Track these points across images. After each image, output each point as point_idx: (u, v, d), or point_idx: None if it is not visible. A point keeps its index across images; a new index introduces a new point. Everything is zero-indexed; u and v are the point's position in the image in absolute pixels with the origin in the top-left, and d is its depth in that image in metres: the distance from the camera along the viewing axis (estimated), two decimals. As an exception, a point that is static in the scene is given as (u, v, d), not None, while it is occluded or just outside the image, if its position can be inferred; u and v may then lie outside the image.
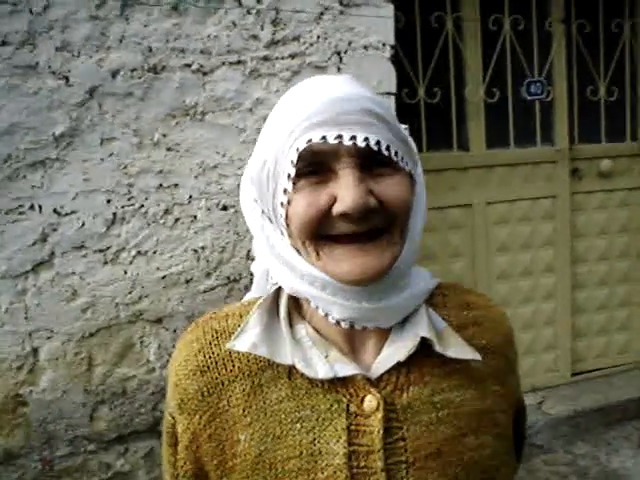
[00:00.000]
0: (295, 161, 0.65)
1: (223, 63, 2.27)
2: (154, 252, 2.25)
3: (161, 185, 2.23)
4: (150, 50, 2.18)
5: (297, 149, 0.65)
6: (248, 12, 2.28)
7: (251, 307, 0.76)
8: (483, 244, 3.08)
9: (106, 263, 2.21)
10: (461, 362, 0.74)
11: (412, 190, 0.71)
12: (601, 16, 3.26)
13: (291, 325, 0.73)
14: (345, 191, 0.63)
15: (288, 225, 0.69)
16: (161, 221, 2.25)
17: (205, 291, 2.32)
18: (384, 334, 0.73)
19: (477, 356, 0.73)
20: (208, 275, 2.32)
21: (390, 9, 2.45)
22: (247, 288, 2.38)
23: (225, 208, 2.31)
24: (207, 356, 0.74)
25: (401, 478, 0.68)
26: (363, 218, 0.65)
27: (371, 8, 2.42)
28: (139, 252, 2.23)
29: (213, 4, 2.23)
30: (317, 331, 0.73)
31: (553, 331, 3.26)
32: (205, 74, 2.25)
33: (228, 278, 2.34)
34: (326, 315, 0.72)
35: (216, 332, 0.76)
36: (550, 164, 3.19)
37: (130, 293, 2.24)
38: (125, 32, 2.15)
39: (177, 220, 2.26)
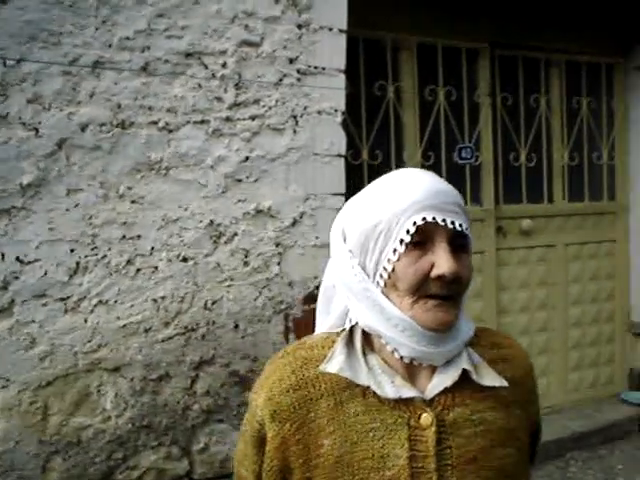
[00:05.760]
0: (411, 231, 0.87)
1: (188, 122, 2.39)
2: (115, 301, 2.29)
3: (124, 236, 2.30)
4: (119, 106, 2.28)
5: (414, 222, 0.87)
6: (213, 76, 2.42)
7: (329, 340, 0.97)
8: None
9: (66, 312, 2.23)
10: (493, 389, 0.94)
11: None
12: (521, 91, 3.64)
13: (364, 354, 0.94)
14: (442, 260, 0.87)
15: (389, 277, 0.89)
16: (123, 271, 2.30)
17: (163, 340, 2.37)
18: (434, 366, 0.94)
19: (505, 384, 0.93)
20: (166, 324, 2.38)
21: (342, 79, 2.67)
22: (204, 337, 2.47)
23: (185, 260, 2.40)
24: (299, 377, 0.94)
25: (447, 477, 0.89)
26: (451, 282, 0.87)
27: (325, 77, 2.62)
28: (100, 301, 2.27)
29: (180, 67, 2.36)
30: (384, 361, 0.93)
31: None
32: (170, 131, 2.37)
33: (186, 327, 2.41)
34: (393, 352, 0.92)
35: (304, 359, 0.96)
36: (479, 222, 3.48)
37: (89, 342, 2.26)
38: (96, 88, 2.24)
39: (138, 270, 2.33)
